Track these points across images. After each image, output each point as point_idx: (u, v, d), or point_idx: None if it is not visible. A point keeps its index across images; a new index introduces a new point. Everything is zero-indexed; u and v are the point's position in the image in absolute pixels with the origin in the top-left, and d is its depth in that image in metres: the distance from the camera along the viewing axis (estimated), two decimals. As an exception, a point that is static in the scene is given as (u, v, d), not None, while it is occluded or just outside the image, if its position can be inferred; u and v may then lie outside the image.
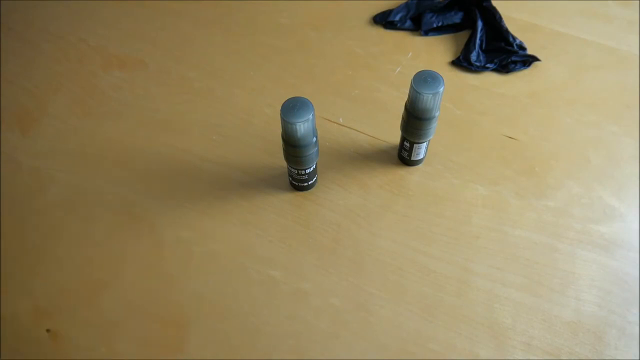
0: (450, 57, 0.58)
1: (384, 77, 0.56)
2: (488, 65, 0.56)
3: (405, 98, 0.43)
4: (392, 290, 0.42)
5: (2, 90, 0.56)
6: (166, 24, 0.61)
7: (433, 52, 0.58)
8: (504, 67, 0.56)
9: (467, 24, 0.60)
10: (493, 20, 0.59)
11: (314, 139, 0.41)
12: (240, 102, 0.54)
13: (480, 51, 0.57)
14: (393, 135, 0.50)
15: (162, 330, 0.41)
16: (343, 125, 0.52)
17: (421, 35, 0.59)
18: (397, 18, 0.60)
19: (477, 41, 0.57)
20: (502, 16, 0.59)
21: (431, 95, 0.40)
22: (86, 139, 0.52)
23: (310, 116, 0.38)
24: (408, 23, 0.60)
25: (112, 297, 0.42)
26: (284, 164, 0.45)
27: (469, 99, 0.54)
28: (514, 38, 0.57)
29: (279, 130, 0.42)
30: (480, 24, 0.58)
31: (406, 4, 0.61)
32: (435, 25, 0.59)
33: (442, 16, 0.60)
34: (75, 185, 0.48)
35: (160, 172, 0.49)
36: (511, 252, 0.44)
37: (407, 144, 0.46)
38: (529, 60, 0.56)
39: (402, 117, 0.45)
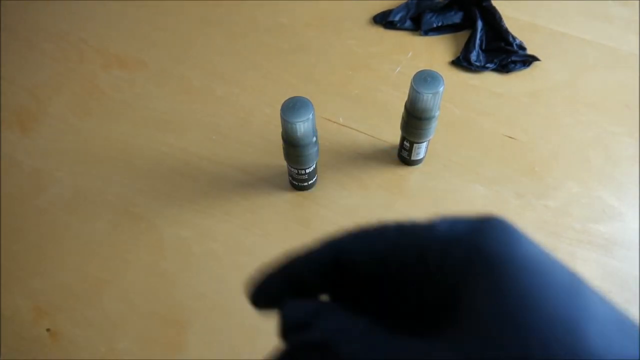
0: (450, 57, 0.58)
1: (384, 77, 0.56)
2: (488, 65, 0.56)
3: (405, 98, 0.43)
4: (392, 290, 0.42)
5: (2, 90, 0.56)
6: (166, 24, 0.61)
7: (433, 52, 0.58)
8: (504, 67, 0.56)
9: (467, 24, 0.60)
10: (493, 20, 0.59)
11: (314, 138, 0.41)
12: (240, 102, 0.54)
13: (480, 51, 0.57)
14: (393, 135, 0.50)
15: (162, 330, 0.41)
16: (343, 125, 0.52)
17: (421, 35, 0.59)
18: (397, 18, 0.60)
19: (477, 41, 0.57)
20: (502, 16, 0.59)
21: (431, 94, 0.40)
22: (86, 139, 0.52)
23: (310, 116, 0.38)
24: (408, 23, 0.60)
25: (112, 297, 0.42)
26: (284, 163, 0.45)
27: (469, 99, 0.54)
28: (514, 38, 0.57)
29: (279, 130, 0.42)
30: (480, 24, 0.58)
31: (406, 4, 0.61)
32: (435, 25, 0.59)
33: (442, 16, 0.60)
34: (75, 185, 0.48)
35: (160, 172, 0.49)
36: (511, 252, 0.44)
37: (407, 144, 0.46)
38: (528, 60, 0.56)
39: (402, 117, 0.45)
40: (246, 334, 0.41)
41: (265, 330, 0.41)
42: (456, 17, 0.60)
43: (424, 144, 0.46)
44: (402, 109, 0.45)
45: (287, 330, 0.18)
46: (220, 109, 0.54)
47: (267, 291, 0.18)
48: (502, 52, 0.57)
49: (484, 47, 0.58)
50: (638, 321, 0.15)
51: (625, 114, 0.53)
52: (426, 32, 0.59)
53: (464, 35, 0.59)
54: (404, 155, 0.48)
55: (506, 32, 0.58)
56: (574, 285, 0.14)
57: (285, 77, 0.56)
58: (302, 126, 0.39)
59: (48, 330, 0.41)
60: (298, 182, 0.46)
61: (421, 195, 0.47)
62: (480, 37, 0.58)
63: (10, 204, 0.47)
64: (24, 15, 0.63)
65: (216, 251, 0.44)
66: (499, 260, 0.14)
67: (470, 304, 0.14)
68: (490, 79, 0.56)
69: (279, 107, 0.39)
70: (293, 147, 0.41)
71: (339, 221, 0.46)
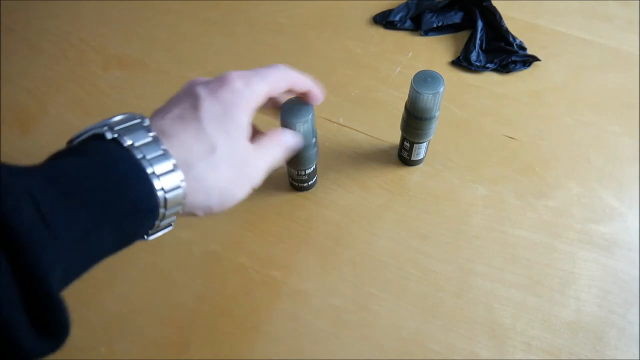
0: (450, 57, 0.58)
1: (384, 77, 0.56)
2: (488, 65, 0.56)
3: (405, 98, 0.43)
4: (392, 290, 0.42)
5: (2, 90, 0.56)
6: (166, 24, 0.61)
7: (433, 52, 0.58)
8: (504, 67, 0.56)
9: (467, 24, 0.60)
10: (493, 20, 0.59)
11: (314, 139, 0.41)
12: (240, 102, 0.54)
13: (480, 51, 0.57)
14: (393, 135, 0.50)
15: (162, 330, 0.41)
16: (343, 125, 0.52)
17: (421, 35, 0.59)
18: (397, 18, 0.60)
19: (477, 41, 0.57)
20: (502, 16, 0.59)
21: (431, 95, 0.40)
22: (86, 139, 0.52)
23: (310, 117, 0.38)
24: (408, 23, 0.60)
25: (112, 297, 0.42)
26: (284, 164, 0.45)
27: (469, 99, 0.54)
28: (514, 38, 0.57)
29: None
30: (480, 24, 0.58)
31: (406, 4, 0.61)
32: (435, 25, 0.59)
33: (442, 16, 0.60)
34: (75, 185, 0.48)
35: (160, 172, 0.49)
36: (511, 252, 0.44)
37: (407, 144, 0.46)
38: (529, 60, 0.56)
39: (402, 117, 0.45)
40: (246, 334, 0.41)
41: (265, 330, 0.41)
42: (456, 17, 0.60)
43: (424, 144, 0.46)
44: (402, 109, 0.45)
45: None
46: (220, 109, 0.53)
47: None
48: (502, 52, 0.57)
49: (484, 47, 0.58)
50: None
51: (625, 114, 0.53)
52: (426, 32, 0.59)
53: (464, 35, 0.59)
54: (404, 155, 0.48)
55: (506, 32, 0.58)
56: None
57: (285, 77, 0.56)
58: (302, 127, 0.39)
59: (48, 330, 0.41)
60: (298, 183, 0.46)
61: (421, 195, 0.47)
62: (481, 37, 0.58)
63: (10, 204, 0.47)
64: (24, 15, 0.63)
65: (216, 252, 0.44)
66: None
67: None
68: (490, 79, 0.56)
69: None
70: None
71: (339, 221, 0.46)
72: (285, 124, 0.39)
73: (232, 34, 0.60)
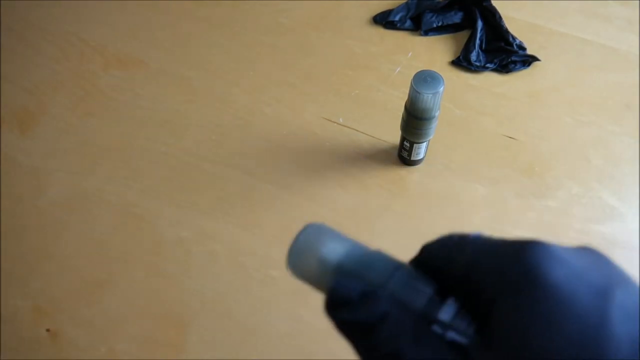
0: (450, 57, 0.57)
1: (384, 77, 0.56)
2: (488, 65, 0.56)
3: (405, 98, 0.43)
4: (392, 290, 0.42)
5: (2, 90, 0.56)
6: (166, 24, 0.61)
7: (433, 52, 0.58)
8: (503, 67, 0.56)
9: (467, 24, 0.60)
10: (493, 20, 0.59)
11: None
12: (239, 102, 0.54)
13: (480, 51, 0.57)
14: (393, 135, 0.50)
15: (162, 330, 0.41)
16: (343, 125, 0.52)
17: (421, 35, 0.59)
18: (397, 18, 0.60)
19: (477, 41, 0.57)
20: (502, 16, 0.59)
21: (431, 95, 0.40)
22: (86, 139, 0.52)
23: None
24: (408, 23, 0.60)
25: (112, 297, 0.42)
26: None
27: (469, 99, 0.54)
28: (514, 38, 0.57)
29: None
30: (480, 24, 0.58)
31: (406, 4, 0.61)
32: (435, 25, 0.59)
33: (442, 16, 0.60)
34: (75, 185, 0.48)
35: (160, 172, 0.49)
36: (511, 252, 0.44)
37: (407, 144, 0.46)
38: (528, 60, 0.56)
39: (402, 117, 0.45)
40: (246, 334, 0.41)
41: (265, 330, 0.41)
42: (456, 17, 0.60)
43: (424, 144, 0.46)
44: (402, 109, 0.45)
45: (333, 305, 0.19)
46: (220, 109, 0.53)
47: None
48: (502, 52, 0.57)
49: (484, 47, 0.58)
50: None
51: (625, 114, 0.53)
52: (426, 32, 0.59)
53: (464, 35, 0.59)
54: (404, 155, 0.48)
55: (506, 32, 0.58)
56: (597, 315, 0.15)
57: (285, 77, 0.56)
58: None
59: (48, 330, 0.41)
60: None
61: (421, 195, 0.47)
62: (480, 37, 0.58)
63: (10, 204, 0.47)
64: (24, 15, 0.63)
65: (216, 251, 0.44)
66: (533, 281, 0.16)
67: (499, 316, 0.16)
68: (490, 79, 0.56)
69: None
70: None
71: (339, 221, 0.46)
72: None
73: (232, 34, 0.60)
